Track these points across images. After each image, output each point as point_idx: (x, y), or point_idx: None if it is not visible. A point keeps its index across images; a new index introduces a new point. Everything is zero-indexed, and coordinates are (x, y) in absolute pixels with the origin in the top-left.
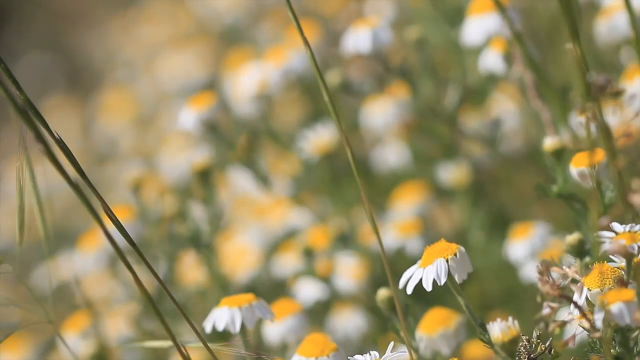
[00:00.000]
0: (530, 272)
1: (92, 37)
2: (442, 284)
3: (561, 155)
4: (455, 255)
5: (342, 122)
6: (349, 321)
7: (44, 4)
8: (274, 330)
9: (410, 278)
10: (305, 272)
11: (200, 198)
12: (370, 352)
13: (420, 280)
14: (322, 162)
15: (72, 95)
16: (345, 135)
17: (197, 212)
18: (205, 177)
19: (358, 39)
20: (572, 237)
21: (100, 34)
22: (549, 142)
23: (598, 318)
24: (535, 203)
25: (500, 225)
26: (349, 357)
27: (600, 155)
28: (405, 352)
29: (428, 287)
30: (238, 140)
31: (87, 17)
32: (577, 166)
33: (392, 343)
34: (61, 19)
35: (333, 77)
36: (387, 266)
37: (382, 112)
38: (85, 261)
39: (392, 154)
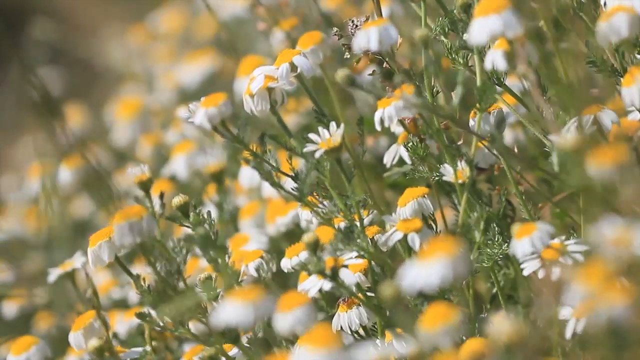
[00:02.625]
0: (531, 269)
1: (106, 48)
2: (448, 281)
3: (577, 152)
4: (456, 251)
5: (353, 120)
6: (354, 314)
7: (58, 16)
8: (283, 321)
9: (414, 276)
10: (312, 266)
11: (213, 197)
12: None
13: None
14: (330, 160)
15: (87, 103)
16: (347, 135)
17: (209, 211)
18: (218, 178)
19: (366, 37)
20: None
21: (114, 45)
22: (566, 139)
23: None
24: (538, 199)
25: (501, 222)
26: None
27: (622, 153)
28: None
29: (433, 286)
30: (248, 139)
31: (101, 29)
32: (600, 164)
33: None
34: (75, 31)
35: (341, 74)
36: (383, 262)
37: (386, 109)
38: (90, 256)
39: (396, 152)
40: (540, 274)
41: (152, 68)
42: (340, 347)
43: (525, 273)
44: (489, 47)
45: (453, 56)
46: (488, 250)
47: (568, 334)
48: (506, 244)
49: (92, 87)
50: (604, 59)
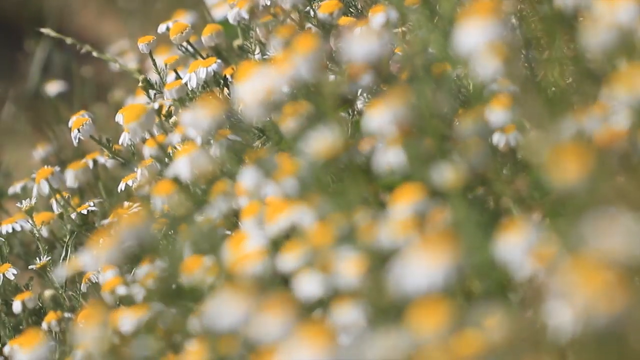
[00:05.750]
0: (523, 270)
1: (120, 58)
2: (452, 281)
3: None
4: (457, 250)
5: (346, 125)
6: (349, 315)
7: (73, 32)
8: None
9: (415, 275)
10: (308, 267)
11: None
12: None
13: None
14: (326, 163)
15: (103, 109)
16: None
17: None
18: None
19: (363, 47)
20: None
21: (128, 55)
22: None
23: None
24: (531, 201)
25: (494, 224)
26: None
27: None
28: None
29: (437, 286)
30: (248, 143)
31: (115, 42)
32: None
33: None
34: (90, 44)
35: (334, 83)
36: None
37: (379, 116)
38: (96, 257)
39: (390, 156)
40: (533, 275)
41: (161, 74)
42: (336, 345)
43: (518, 274)
44: (480, 52)
45: (445, 61)
46: (481, 250)
47: (560, 335)
48: (497, 245)
49: (107, 94)
50: (590, 67)
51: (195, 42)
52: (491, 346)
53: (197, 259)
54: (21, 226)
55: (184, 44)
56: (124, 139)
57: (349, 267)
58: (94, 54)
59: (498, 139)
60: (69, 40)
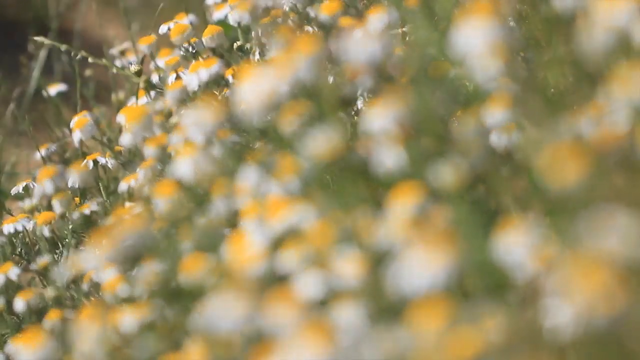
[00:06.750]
0: (521, 271)
1: (122, 59)
2: (453, 280)
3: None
4: (457, 249)
5: (346, 126)
6: (349, 315)
7: (75, 33)
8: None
9: (415, 275)
10: (307, 267)
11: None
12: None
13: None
14: (326, 163)
15: (106, 110)
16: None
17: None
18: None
19: (364, 50)
20: None
21: (130, 56)
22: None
23: None
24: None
25: (494, 223)
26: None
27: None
28: None
29: (439, 286)
30: (249, 143)
31: (117, 43)
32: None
33: None
34: (92, 45)
35: (334, 84)
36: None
37: (379, 118)
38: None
39: (390, 156)
40: (532, 275)
41: (162, 75)
42: (336, 345)
43: (517, 274)
44: (479, 53)
45: (445, 62)
46: (481, 250)
47: (560, 335)
48: (497, 245)
49: (110, 94)
50: (588, 68)
51: (196, 43)
52: (490, 346)
53: (198, 259)
54: (23, 226)
55: (185, 45)
56: (126, 140)
57: (349, 267)
58: (89, 59)
59: (497, 138)
60: (63, 47)
